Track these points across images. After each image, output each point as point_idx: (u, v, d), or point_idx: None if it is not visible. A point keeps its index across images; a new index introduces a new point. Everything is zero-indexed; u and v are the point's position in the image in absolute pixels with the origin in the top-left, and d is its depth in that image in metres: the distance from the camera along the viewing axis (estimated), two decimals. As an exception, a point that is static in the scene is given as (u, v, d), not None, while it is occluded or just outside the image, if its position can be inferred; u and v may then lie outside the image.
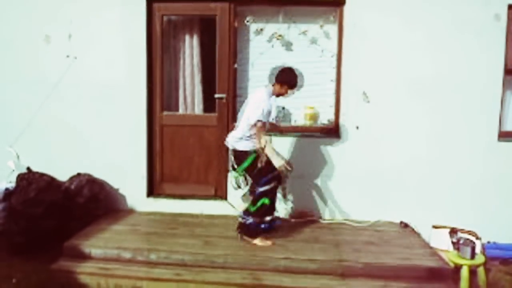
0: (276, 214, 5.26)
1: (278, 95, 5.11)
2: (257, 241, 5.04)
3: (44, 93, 5.99)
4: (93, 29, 5.94)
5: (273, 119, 5.31)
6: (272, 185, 4.98)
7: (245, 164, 4.99)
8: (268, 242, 5.04)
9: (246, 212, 5.08)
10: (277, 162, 4.89)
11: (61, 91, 5.98)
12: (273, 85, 5.08)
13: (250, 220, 5.02)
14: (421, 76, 5.70)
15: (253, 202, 5.02)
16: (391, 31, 5.71)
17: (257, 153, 4.95)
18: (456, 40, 5.67)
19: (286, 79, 5.02)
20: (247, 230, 5.09)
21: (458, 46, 5.67)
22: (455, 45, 5.67)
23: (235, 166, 5.10)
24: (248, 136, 4.97)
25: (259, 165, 4.92)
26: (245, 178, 5.19)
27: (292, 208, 5.95)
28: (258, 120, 4.84)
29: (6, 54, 6.07)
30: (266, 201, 4.98)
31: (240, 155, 5.04)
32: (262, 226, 5.06)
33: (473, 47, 5.65)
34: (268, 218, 5.08)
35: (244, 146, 4.99)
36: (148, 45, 5.97)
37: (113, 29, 5.93)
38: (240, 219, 5.16)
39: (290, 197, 5.91)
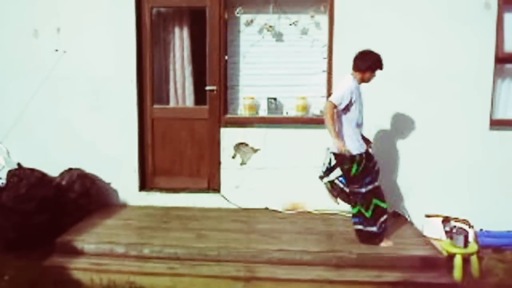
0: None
1: (366, 81, 4.84)
2: (383, 244, 4.83)
3: (33, 88, 5.93)
4: (82, 22, 5.88)
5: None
6: (376, 183, 4.80)
7: (352, 171, 4.68)
8: (390, 242, 4.85)
9: (362, 218, 4.79)
10: (337, 144, 4.61)
11: (51, 85, 5.92)
12: (357, 73, 4.79)
13: (373, 228, 4.77)
14: (412, 65, 5.69)
15: (366, 207, 4.74)
16: (383, 20, 5.69)
17: (360, 158, 4.68)
18: (447, 29, 5.66)
19: (372, 64, 4.73)
20: (370, 239, 4.82)
21: (450, 35, 5.66)
22: (446, 34, 5.66)
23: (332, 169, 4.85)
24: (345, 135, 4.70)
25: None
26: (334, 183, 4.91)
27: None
28: (329, 101, 4.61)
29: (-5, 49, 6.02)
30: (377, 201, 4.77)
31: (339, 157, 4.75)
32: (381, 229, 4.82)
33: (464, 36, 5.65)
34: (383, 219, 4.83)
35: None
36: (138, 37, 5.92)
37: (102, 22, 5.87)
38: (357, 227, 4.86)
39: (279, 187, 5.93)
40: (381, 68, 4.80)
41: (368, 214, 4.75)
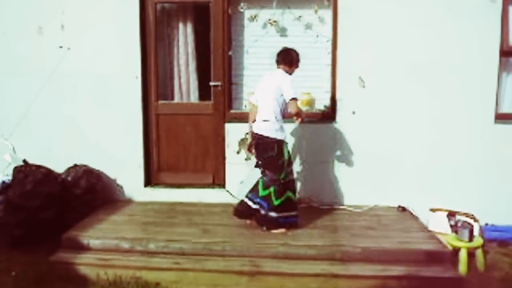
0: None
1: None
2: (282, 231, 5.01)
3: (38, 84, 5.95)
4: (86, 19, 5.89)
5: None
6: (292, 176, 5.03)
7: (270, 153, 4.91)
8: (283, 230, 5.01)
9: (267, 204, 4.97)
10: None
11: (56, 82, 5.94)
12: (289, 67, 5.10)
13: (273, 214, 4.96)
14: (417, 60, 5.68)
15: (277, 195, 4.92)
16: (386, 14, 5.68)
17: (282, 143, 4.96)
18: (452, 23, 5.64)
19: (295, 58, 5.10)
20: (270, 224, 5.01)
21: (455, 28, 5.63)
22: (451, 27, 5.64)
23: (258, 155, 5.06)
24: (278, 124, 4.96)
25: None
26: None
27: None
28: (294, 98, 4.88)
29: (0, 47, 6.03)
30: (290, 194, 4.97)
31: (266, 143, 4.95)
32: (287, 220, 5.02)
33: (469, 29, 5.62)
34: (293, 213, 5.07)
35: (276, 135, 4.95)
36: (142, 33, 5.92)
37: (106, 19, 5.88)
38: (261, 211, 5.04)
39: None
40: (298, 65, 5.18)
41: (276, 202, 4.92)
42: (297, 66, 5.15)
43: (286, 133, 5.17)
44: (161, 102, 6.12)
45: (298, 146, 5.90)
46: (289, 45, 5.81)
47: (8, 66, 6.01)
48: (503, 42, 5.63)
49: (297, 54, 5.13)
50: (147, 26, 5.96)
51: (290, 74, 5.07)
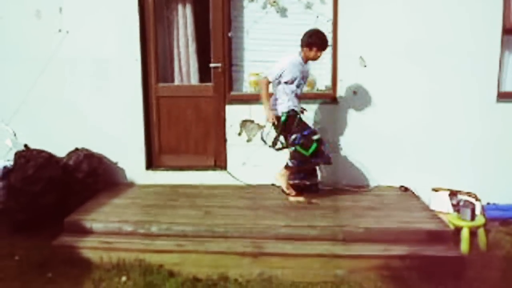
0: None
1: (311, 59, 5.17)
2: (294, 198, 5.32)
3: (38, 69, 5.92)
4: (84, 2, 5.84)
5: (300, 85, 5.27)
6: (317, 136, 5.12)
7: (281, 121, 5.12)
8: (302, 198, 5.31)
9: (298, 160, 5.16)
10: (267, 114, 5.14)
11: (55, 66, 5.91)
12: (302, 51, 5.13)
13: (301, 164, 5.19)
14: (418, 39, 5.63)
15: (305, 147, 5.05)
16: (387, -7, 5.63)
17: (288, 114, 5.10)
18: (453, 1, 5.58)
19: (312, 41, 5.05)
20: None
21: (456, 6, 5.58)
22: (453, 6, 5.58)
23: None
24: (275, 99, 5.14)
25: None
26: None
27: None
28: (265, 77, 5.03)
29: (-2, 31, 5.99)
30: (315, 145, 5.05)
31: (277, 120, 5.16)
32: (308, 183, 5.37)
33: (470, 6, 5.56)
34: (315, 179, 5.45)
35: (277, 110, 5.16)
36: (141, 16, 5.87)
37: (104, 1, 5.83)
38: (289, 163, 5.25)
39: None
40: (323, 48, 5.12)
41: (307, 153, 5.06)
42: (309, 49, 5.08)
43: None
44: (161, 84, 6.09)
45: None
46: (289, 25, 5.83)
47: (7, 51, 5.98)
48: (505, 20, 5.57)
49: (310, 36, 5.08)
50: (146, 8, 5.90)
51: (306, 58, 5.15)
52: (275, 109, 5.16)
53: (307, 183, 5.43)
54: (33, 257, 4.57)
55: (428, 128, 5.76)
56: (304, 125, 5.18)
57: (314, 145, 5.02)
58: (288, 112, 5.10)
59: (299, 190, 5.40)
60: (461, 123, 5.73)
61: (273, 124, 5.18)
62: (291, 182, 5.38)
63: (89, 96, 5.98)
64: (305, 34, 5.12)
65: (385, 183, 5.87)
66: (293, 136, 5.07)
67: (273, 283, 4.21)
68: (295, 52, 5.16)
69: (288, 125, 5.11)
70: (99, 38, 5.88)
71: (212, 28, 5.90)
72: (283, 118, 5.10)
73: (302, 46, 5.12)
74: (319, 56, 5.14)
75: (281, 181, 5.36)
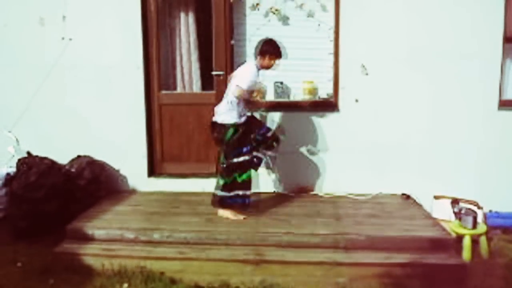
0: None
1: (265, 68, 5.06)
2: (228, 214, 5.10)
3: (40, 76, 5.93)
4: (88, 10, 5.86)
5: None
6: (248, 157, 5.02)
7: (226, 137, 4.96)
8: (241, 217, 5.09)
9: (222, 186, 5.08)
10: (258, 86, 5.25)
11: (58, 73, 5.92)
12: (256, 59, 5.07)
13: (222, 193, 5.07)
14: (420, 46, 5.65)
15: (228, 175, 5.02)
16: (388, 1, 5.64)
17: (236, 127, 4.95)
18: (455, 9, 5.60)
19: (266, 49, 4.97)
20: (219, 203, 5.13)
21: (457, 14, 5.60)
22: (454, 13, 5.60)
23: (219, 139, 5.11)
24: (228, 109, 4.98)
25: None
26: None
27: (280, 182, 5.97)
28: (237, 86, 4.87)
29: (1, 38, 6.00)
30: (244, 176, 5.03)
31: (219, 128, 5.02)
32: (239, 200, 5.10)
33: (472, 14, 5.58)
34: (248, 193, 5.13)
35: (223, 119, 4.99)
36: (144, 24, 5.90)
37: (107, 9, 5.85)
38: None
39: (287, 171, 5.95)
40: (276, 56, 5.01)
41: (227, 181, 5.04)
42: (263, 57, 4.98)
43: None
44: (163, 92, 6.11)
45: (301, 135, 5.88)
46: (291, 34, 5.84)
47: (10, 58, 5.99)
48: (506, 28, 5.59)
49: (263, 45, 5.01)
50: (149, 15, 5.93)
51: (260, 66, 5.03)
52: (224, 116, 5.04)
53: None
54: (35, 264, 4.57)
55: (429, 136, 5.77)
56: (245, 138, 5.06)
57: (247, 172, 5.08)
58: (237, 124, 4.99)
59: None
60: (463, 131, 5.74)
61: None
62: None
63: (91, 103, 5.99)
64: (259, 43, 5.13)
65: (386, 190, 5.87)
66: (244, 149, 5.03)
67: (275, 290, 4.20)
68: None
69: (237, 136, 5.00)
70: (101, 46, 5.90)
71: (214, 36, 5.92)
72: (231, 131, 4.97)
73: (256, 54, 5.11)
74: (272, 65, 5.04)
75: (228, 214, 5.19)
